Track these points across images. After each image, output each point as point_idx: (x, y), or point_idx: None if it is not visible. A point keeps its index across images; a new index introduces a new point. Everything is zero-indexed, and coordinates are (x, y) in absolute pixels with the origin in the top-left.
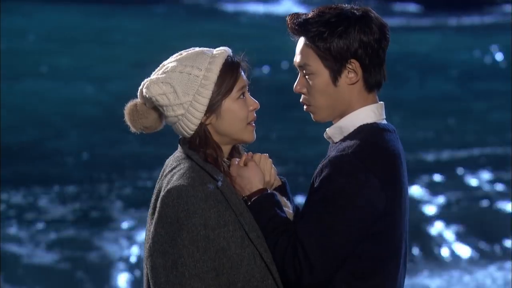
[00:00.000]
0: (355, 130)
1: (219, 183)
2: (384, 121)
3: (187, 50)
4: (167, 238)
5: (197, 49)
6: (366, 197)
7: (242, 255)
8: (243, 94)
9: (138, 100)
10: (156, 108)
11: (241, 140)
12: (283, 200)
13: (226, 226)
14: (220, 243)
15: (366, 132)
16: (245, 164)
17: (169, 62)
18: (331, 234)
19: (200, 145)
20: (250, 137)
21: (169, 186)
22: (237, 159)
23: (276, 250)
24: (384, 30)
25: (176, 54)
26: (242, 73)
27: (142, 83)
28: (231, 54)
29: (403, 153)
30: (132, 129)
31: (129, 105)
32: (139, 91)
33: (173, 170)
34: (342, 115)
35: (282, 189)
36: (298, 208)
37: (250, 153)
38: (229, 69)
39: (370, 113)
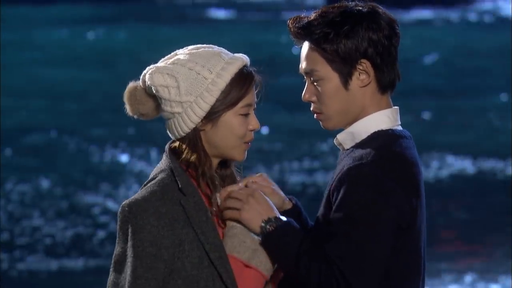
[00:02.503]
0: (368, 136)
1: (183, 200)
2: (400, 127)
3: (205, 46)
4: (122, 257)
5: (215, 48)
6: (394, 206)
7: (198, 276)
8: (247, 111)
9: (140, 84)
10: (155, 97)
11: (231, 157)
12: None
13: (181, 245)
14: (175, 263)
15: (381, 139)
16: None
17: (182, 54)
18: (364, 251)
19: (188, 149)
20: (241, 155)
21: (125, 201)
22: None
23: (312, 275)
24: (394, 25)
25: (193, 47)
26: (254, 88)
27: (148, 67)
28: (248, 64)
29: (420, 162)
30: (129, 113)
31: (129, 87)
32: (142, 74)
33: (148, 183)
34: (355, 120)
35: (294, 212)
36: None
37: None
38: (241, 81)
39: (384, 118)
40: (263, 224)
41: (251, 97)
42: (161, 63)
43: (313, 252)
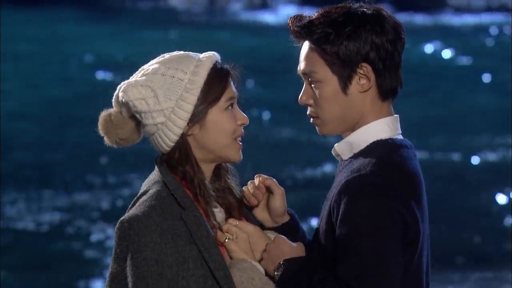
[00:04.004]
0: (367, 146)
1: (183, 214)
2: (400, 136)
3: (170, 52)
4: (120, 275)
5: (181, 52)
6: (398, 213)
7: None
8: (231, 105)
9: (113, 109)
10: (134, 117)
11: (226, 159)
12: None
13: (185, 263)
14: (179, 282)
15: (381, 149)
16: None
17: (150, 65)
18: (376, 263)
19: (180, 160)
20: (236, 156)
21: (123, 217)
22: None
23: None
24: (399, 29)
25: (158, 57)
26: (231, 83)
27: (118, 87)
28: (220, 60)
29: (421, 172)
30: (107, 142)
31: (102, 115)
32: (114, 96)
33: (142, 196)
34: (353, 127)
35: (291, 226)
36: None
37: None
38: (218, 75)
39: (384, 127)
40: (276, 273)
41: (232, 90)
42: (131, 79)
43: (325, 280)
